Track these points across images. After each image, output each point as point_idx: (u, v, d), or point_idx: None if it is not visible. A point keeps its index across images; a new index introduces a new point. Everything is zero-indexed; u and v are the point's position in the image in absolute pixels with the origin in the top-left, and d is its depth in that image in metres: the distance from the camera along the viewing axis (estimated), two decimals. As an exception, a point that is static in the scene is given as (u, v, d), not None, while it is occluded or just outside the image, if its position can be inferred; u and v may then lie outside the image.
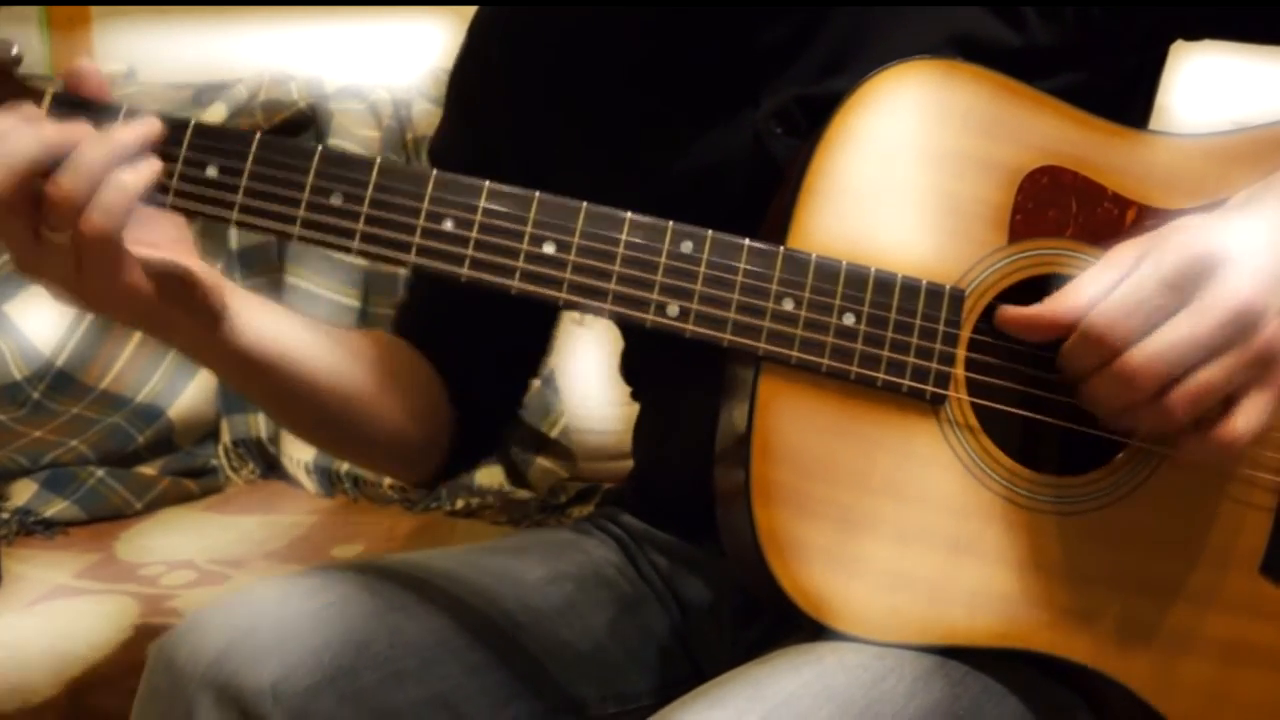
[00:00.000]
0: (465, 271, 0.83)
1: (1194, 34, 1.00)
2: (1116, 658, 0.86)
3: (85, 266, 0.81)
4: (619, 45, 1.04)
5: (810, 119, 0.91)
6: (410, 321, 1.12)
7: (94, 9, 2.21)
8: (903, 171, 0.86)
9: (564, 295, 0.84)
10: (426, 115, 1.99)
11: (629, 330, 1.12)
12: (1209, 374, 0.79)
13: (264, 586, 0.92)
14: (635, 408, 1.18)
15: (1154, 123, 1.04)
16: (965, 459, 0.86)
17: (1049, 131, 0.88)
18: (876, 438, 0.85)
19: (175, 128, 0.83)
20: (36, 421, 1.87)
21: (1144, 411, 0.81)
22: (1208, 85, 1.50)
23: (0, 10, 1.99)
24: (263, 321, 0.93)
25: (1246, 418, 0.80)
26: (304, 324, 0.98)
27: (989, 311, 0.86)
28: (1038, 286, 0.86)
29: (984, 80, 0.87)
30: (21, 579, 1.54)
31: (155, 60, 2.12)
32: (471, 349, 1.10)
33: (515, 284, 0.83)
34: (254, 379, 0.95)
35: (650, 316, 0.84)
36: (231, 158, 0.83)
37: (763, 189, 0.91)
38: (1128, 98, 1.00)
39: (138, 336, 1.94)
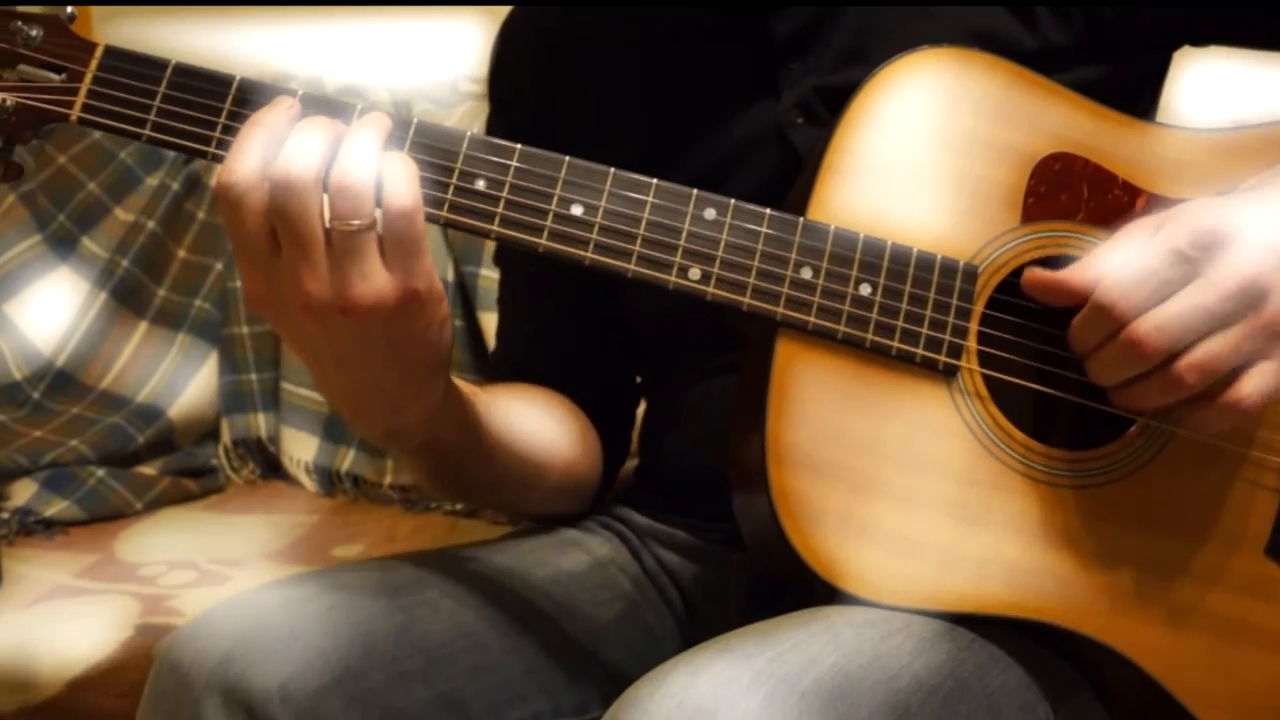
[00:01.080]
0: (495, 228, 0.85)
1: (1200, 39, 1.01)
2: (1121, 631, 0.87)
3: (390, 251, 0.80)
4: (638, 40, 1.07)
5: (831, 108, 0.93)
6: (519, 364, 1.14)
7: (94, 9, 2.21)
8: (920, 152, 0.89)
9: (590, 255, 0.85)
10: (427, 116, 1.98)
11: (639, 322, 1.14)
12: (1217, 344, 0.80)
13: (269, 587, 0.92)
14: (640, 406, 1.19)
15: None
16: (976, 429, 0.87)
17: (1062, 120, 0.90)
18: (889, 405, 0.87)
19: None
20: (36, 421, 1.87)
21: (1152, 383, 0.82)
22: (1212, 90, 1.50)
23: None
24: (472, 392, 0.95)
25: (1254, 384, 0.81)
26: (491, 389, 1.00)
27: (1001, 289, 0.88)
28: (1049, 266, 0.88)
29: (1000, 68, 0.90)
30: (21, 579, 1.54)
31: (155, 60, 2.12)
32: (587, 367, 1.13)
33: (543, 242, 0.85)
34: (474, 450, 0.96)
35: (673, 279, 0.86)
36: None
37: (785, 177, 0.94)
38: (1134, 101, 1.01)
39: (138, 336, 1.94)
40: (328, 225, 0.79)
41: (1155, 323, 0.80)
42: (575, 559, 1.09)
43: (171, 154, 1.98)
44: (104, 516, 1.76)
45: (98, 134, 2.00)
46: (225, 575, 1.57)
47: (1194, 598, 0.89)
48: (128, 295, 1.94)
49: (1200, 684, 0.88)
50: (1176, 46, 1.03)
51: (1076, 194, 0.89)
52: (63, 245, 1.97)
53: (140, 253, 1.95)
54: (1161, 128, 0.93)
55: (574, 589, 1.05)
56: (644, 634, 1.07)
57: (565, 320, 1.14)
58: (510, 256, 1.17)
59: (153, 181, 1.98)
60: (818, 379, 0.86)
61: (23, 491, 1.74)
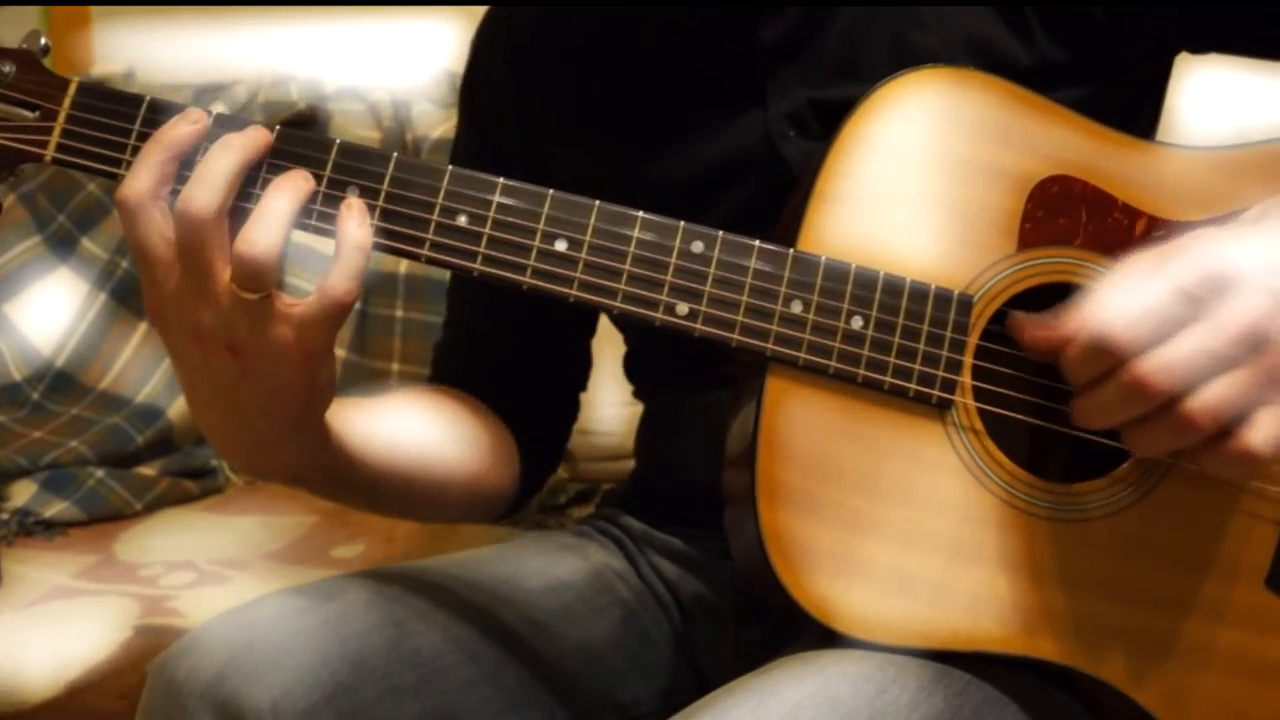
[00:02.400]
0: (478, 267, 0.84)
1: (1197, 45, 1.00)
2: (1119, 667, 0.86)
3: (304, 319, 0.79)
4: (622, 47, 1.05)
5: (822, 122, 0.92)
6: (454, 366, 1.13)
7: (94, 9, 2.21)
8: (914, 177, 0.87)
9: (574, 293, 0.84)
10: (426, 116, 1.99)
11: (632, 331, 1.13)
12: (1225, 387, 0.78)
13: (262, 602, 0.91)
14: (636, 409, 1.18)
15: (1160, 136, 1.04)
16: (970, 464, 0.86)
17: (1060, 141, 0.88)
18: (882, 441, 0.85)
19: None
20: (36, 422, 1.88)
21: (1161, 425, 0.79)
22: (1215, 99, 1.49)
23: (0, 10, 1.98)
24: (353, 424, 0.93)
25: (1264, 432, 0.79)
26: (379, 412, 0.98)
27: (997, 318, 0.87)
28: (1046, 294, 0.87)
29: (996, 89, 0.88)
30: (21, 579, 1.55)
31: (155, 60, 2.11)
32: (521, 379, 1.11)
33: (527, 280, 0.84)
34: (344, 482, 0.95)
35: (660, 316, 0.85)
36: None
37: (775, 191, 0.92)
38: (1134, 112, 1.00)
39: (137, 337, 1.95)
40: (229, 282, 0.78)
41: (1161, 362, 0.77)
42: (571, 566, 1.08)
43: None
44: (103, 517, 1.76)
45: (97, 134, 2.00)
46: (225, 576, 1.57)
47: (1194, 632, 0.87)
48: (127, 295, 1.95)
49: (1201, 719, 0.87)
50: (1174, 54, 1.01)
51: (1075, 218, 0.87)
52: (62, 246, 1.97)
53: (140, 253, 1.95)
54: (1162, 147, 0.91)
55: (570, 597, 1.05)
56: (641, 641, 1.07)
57: (502, 328, 1.12)
58: None
59: (153, 182, 1.98)
60: (809, 416, 0.85)
61: (22, 492, 1.75)
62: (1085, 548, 0.86)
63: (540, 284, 0.84)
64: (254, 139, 0.81)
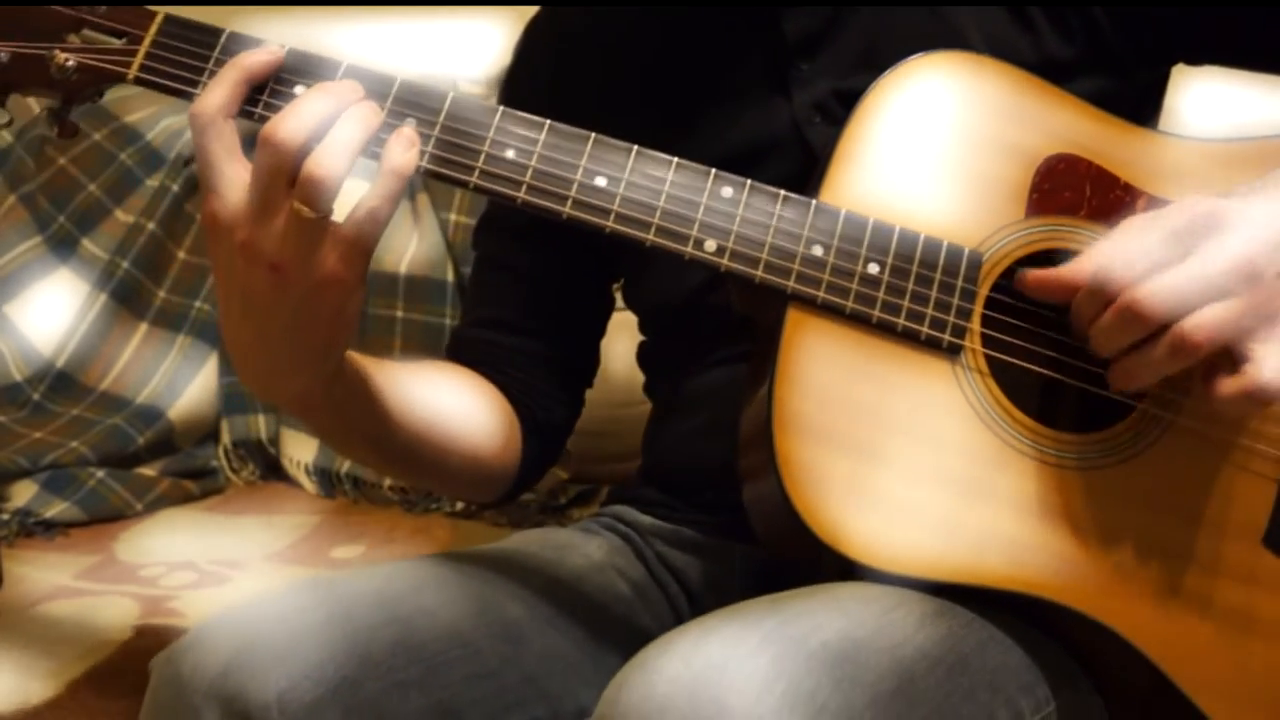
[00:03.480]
0: (522, 196, 0.88)
1: (1195, 55, 1.04)
2: (1119, 610, 0.89)
3: (340, 239, 0.83)
4: (654, 43, 1.10)
5: (847, 109, 0.95)
6: (470, 349, 1.14)
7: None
8: (929, 146, 0.92)
9: (610, 224, 0.89)
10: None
11: (647, 314, 1.16)
12: (1220, 310, 0.82)
13: (266, 598, 0.92)
14: (637, 410, 1.19)
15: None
16: (978, 407, 0.89)
17: (1068, 123, 0.93)
18: (894, 380, 0.89)
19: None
20: (37, 422, 1.88)
21: (1159, 347, 0.83)
22: (1210, 111, 1.50)
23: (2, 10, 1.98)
24: (371, 370, 0.96)
25: (1272, 367, 0.83)
26: (390, 365, 1.00)
27: (1005, 277, 0.90)
28: (1051, 259, 0.90)
29: (1009, 73, 0.94)
30: (22, 580, 1.55)
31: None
32: (534, 369, 1.13)
33: (567, 210, 0.88)
34: (351, 424, 0.97)
35: (689, 250, 0.89)
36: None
37: (800, 175, 0.95)
38: (1133, 116, 1.01)
39: (138, 337, 1.95)
40: (289, 200, 0.82)
41: (1152, 287, 0.82)
42: (573, 563, 1.09)
43: (171, 155, 1.99)
44: (104, 517, 1.76)
45: (97, 135, 2.00)
46: (225, 576, 1.57)
47: (1192, 584, 0.90)
48: (128, 296, 1.95)
49: (1197, 669, 0.89)
50: (1172, 62, 1.05)
51: (1079, 192, 0.92)
52: (63, 246, 1.97)
53: (140, 254, 1.96)
54: (1164, 135, 0.96)
55: (573, 594, 1.05)
56: (642, 638, 1.07)
57: (520, 314, 1.14)
58: (492, 244, 1.17)
59: (152, 183, 1.98)
60: (825, 351, 0.89)
61: (23, 493, 1.75)
62: (1089, 494, 0.90)
63: (579, 214, 0.88)
64: (348, 93, 0.85)
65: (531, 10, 1.19)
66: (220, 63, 0.87)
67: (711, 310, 0.97)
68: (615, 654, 1.05)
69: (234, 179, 0.83)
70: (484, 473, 1.09)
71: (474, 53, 2.00)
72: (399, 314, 1.88)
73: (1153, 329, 0.83)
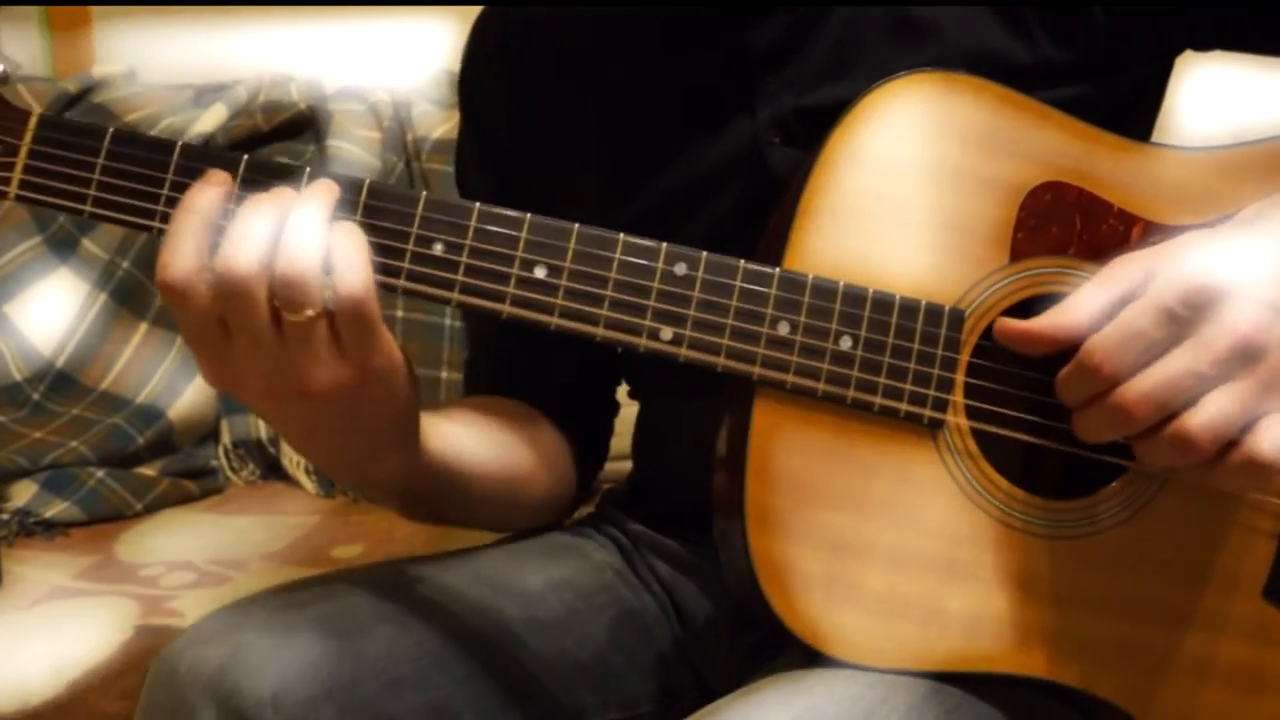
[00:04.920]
0: (455, 296, 0.82)
1: (1202, 44, 0.99)
2: (1118, 684, 0.85)
3: (344, 334, 0.79)
4: (612, 51, 1.04)
5: (808, 129, 0.90)
6: (491, 375, 1.13)
7: (94, 9, 2.21)
8: (902, 189, 0.85)
9: (555, 320, 0.83)
10: (426, 116, 1.99)
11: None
12: (1223, 403, 0.76)
13: (263, 597, 0.92)
14: (634, 409, 1.18)
15: (1159, 133, 1.03)
16: (963, 483, 0.84)
17: (1052, 145, 0.86)
18: (873, 462, 0.84)
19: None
20: (36, 422, 1.87)
21: (1162, 442, 0.78)
22: (1213, 96, 1.49)
23: (0, 10, 1.98)
24: (438, 432, 0.94)
25: (1270, 440, 0.77)
26: (455, 421, 0.99)
27: (989, 333, 0.85)
28: (1040, 305, 0.85)
29: (985, 93, 0.86)
30: (21, 580, 1.55)
31: (155, 61, 2.12)
32: (560, 379, 1.11)
33: (506, 309, 0.82)
34: (443, 488, 0.96)
35: (644, 342, 0.83)
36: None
37: (761, 199, 0.90)
38: (1134, 110, 1.00)
39: (138, 337, 1.95)
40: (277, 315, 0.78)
41: (1142, 389, 0.76)
42: (571, 565, 1.08)
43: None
44: (104, 517, 1.76)
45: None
46: (225, 576, 1.57)
47: (1192, 646, 0.86)
48: (127, 296, 1.95)
49: None
50: (1177, 52, 1.00)
51: (1069, 226, 0.86)
52: (63, 246, 1.97)
53: (140, 254, 1.96)
54: (1157, 148, 0.89)
55: (569, 595, 1.05)
56: (640, 640, 1.07)
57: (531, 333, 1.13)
58: None
59: (153, 182, 1.98)
60: (798, 438, 0.83)
61: (23, 492, 1.74)
62: (1081, 563, 0.85)
63: (520, 312, 0.82)
64: (283, 197, 0.80)
65: (476, 10, 1.12)
66: (107, 170, 0.81)
67: None
68: (614, 653, 1.04)
69: (225, 333, 0.79)
70: (556, 496, 1.09)
71: (419, 56, 2.00)
72: (399, 314, 1.88)
73: (1144, 428, 0.78)
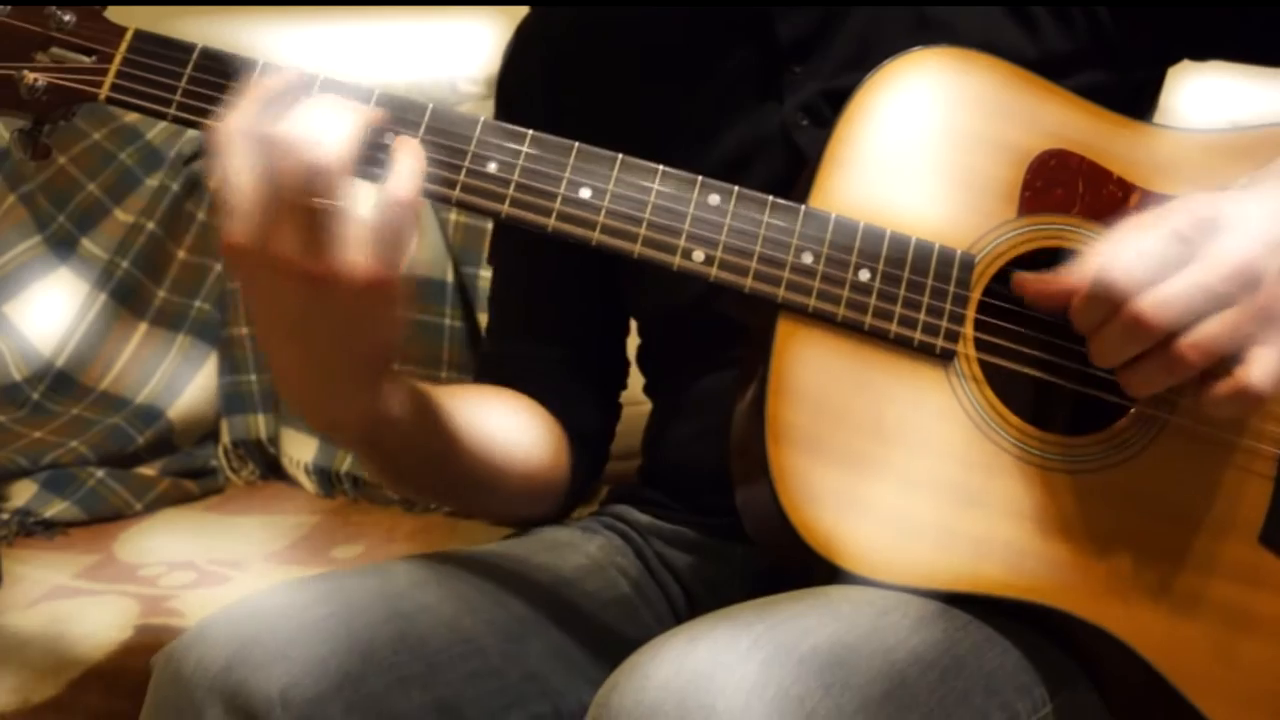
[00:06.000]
0: (505, 209, 0.87)
1: (1199, 52, 1.03)
2: (1117, 615, 0.88)
3: (376, 235, 0.82)
4: (647, 46, 1.09)
5: (835, 109, 0.94)
6: (502, 368, 1.15)
7: (94, 10, 2.21)
8: (919, 146, 0.91)
9: (597, 236, 0.88)
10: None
11: (645, 320, 1.16)
12: (1216, 324, 0.81)
13: (268, 593, 0.92)
14: (636, 409, 1.19)
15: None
16: (973, 413, 0.89)
17: (1059, 118, 0.92)
18: (887, 388, 0.88)
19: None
20: (36, 422, 1.87)
21: (1153, 362, 0.83)
22: (1209, 105, 1.50)
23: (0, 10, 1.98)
24: (425, 391, 0.96)
25: (1262, 369, 0.82)
26: (439, 391, 1.00)
27: (998, 279, 0.90)
28: (1045, 258, 0.90)
29: (999, 68, 0.92)
30: (21, 579, 1.54)
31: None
32: (568, 379, 1.13)
33: (551, 223, 0.87)
34: (405, 450, 0.97)
35: (677, 260, 0.88)
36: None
37: (790, 179, 0.95)
38: (1131, 109, 1.01)
39: (138, 337, 1.95)
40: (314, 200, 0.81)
41: (1158, 299, 0.80)
42: (575, 562, 1.09)
43: (171, 155, 1.99)
44: (104, 517, 1.76)
45: (97, 135, 2.00)
46: (225, 576, 1.57)
47: (1189, 584, 0.90)
48: (127, 296, 1.94)
49: (1196, 670, 0.89)
50: (1176, 59, 1.04)
51: (1072, 188, 0.91)
52: (62, 246, 1.97)
53: (140, 254, 1.95)
54: (1157, 128, 0.95)
55: (574, 592, 1.05)
56: (645, 636, 1.07)
57: (549, 330, 1.15)
58: (504, 259, 1.18)
59: (152, 182, 1.98)
60: (817, 360, 0.88)
61: (23, 492, 1.74)
62: (1085, 497, 0.89)
63: (565, 226, 0.88)
64: (341, 103, 0.84)
65: (523, 10, 1.18)
66: (194, 80, 0.86)
67: (712, 315, 0.97)
68: (617, 652, 1.04)
69: (256, 197, 0.82)
70: (540, 490, 1.10)
71: (467, 54, 2.00)
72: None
73: (1156, 340, 0.82)
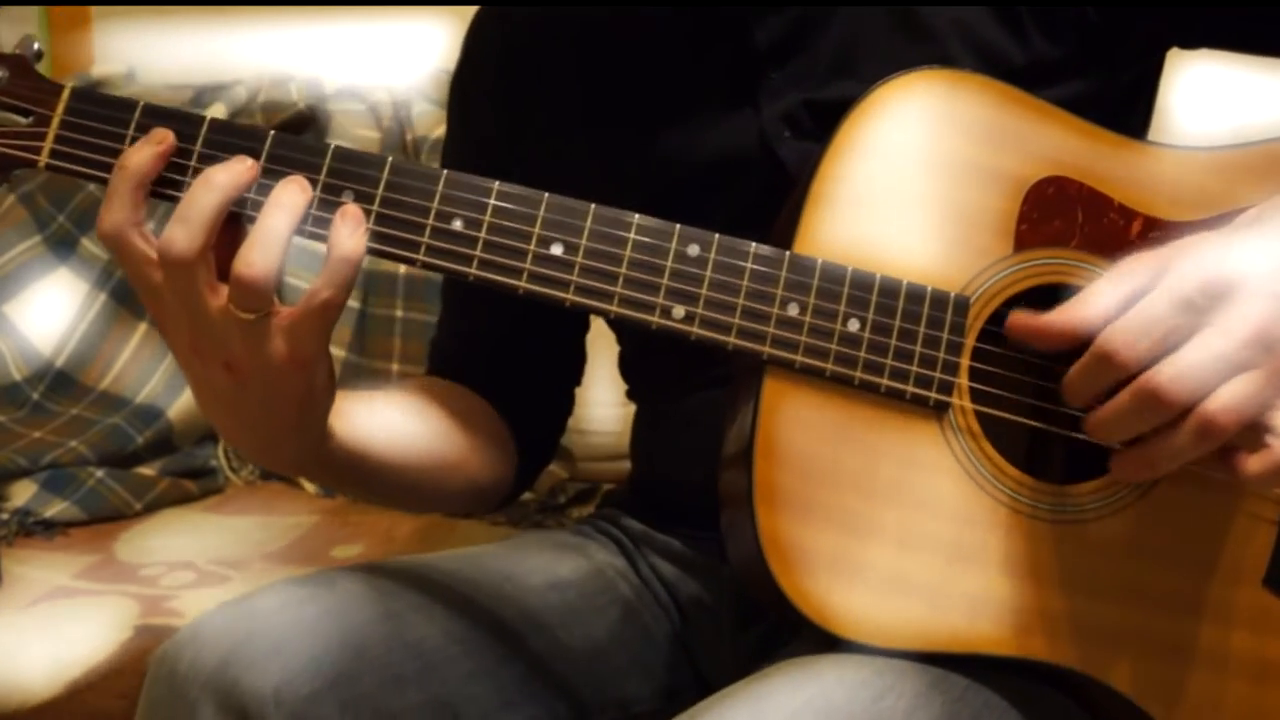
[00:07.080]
0: (474, 271, 0.84)
1: (1189, 41, 1.00)
2: (1116, 669, 0.86)
3: (293, 328, 0.81)
4: (614, 48, 1.04)
5: (817, 123, 0.92)
6: (450, 360, 1.14)
7: (94, 9, 2.21)
8: (909, 180, 0.86)
9: (570, 297, 0.84)
10: (426, 116, 1.99)
11: (626, 334, 1.13)
12: (1243, 387, 0.77)
13: (263, 593, 0.92)
14: (631, 408, 1.18)
15: (1155, 133, 1.04)
16: (968, 466, 0.85)
17: (1055, 142, 0.88)
18: (880, 444, 0.85)
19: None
20: (36, 422, 1.87)
21: (1180, 434, 0.78)
22: (1205, 97, 1.50)
23: (0, 10, 1.99)
24: (353, 421, 0.95)
25: None
26: (380, 407, 0.99)
27: (993, 319, 0.86)
28: (1042, 295, 0.86)
29: (991, 90, 0.88)
30: (21, 579, 1.54)
31: (155, 61, 2.12)
32: (516, 374, 1.12)
33: (523, 284, 0.84)
34: (347, 474, 0.96)
35: (656, 319, 0.85)
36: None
37: (771, 192, 0.92)
38: (1129, 106, 1.01)
39: (137, 337, 1.95)
40: (223, 304, 0.80)
41: (1174, 371, 0.76)
42: (572, 564, 1.08)
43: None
44: (103, 517, 1.76)
45: (97, 135, 2.00)
46: (225, 576, 1.57)
47: (1192, 632, 0.87)
48: (127, 296, 1.94)
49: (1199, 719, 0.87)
50: (1166, 49, 1.01)
51: (1071, 219, 0.87)
52: (62, 246, 1.97)
53: (139, 253, 1.95)
54: (1158, 147, 0.91)
55: (571, 595, 1.05)
56: (641, 639, 1.07)
57: (497, 323, 1.12)
58: None
59: (152, 182, 1.98)
60: (806, 418, 0.84)
61: (22, 492, 1.74)
62: (1083, 549, 0.86)
63: (536, 288, 0.84)
64: (237, 174, 0.81)
65: (473, 10, 1.13)
66: (139, 140, 0.82)
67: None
68: (616, 653, 1.05)
69: (161, 289, 0.80)
70: (483, 487, 1.09)
71: (418, 55, 2.00)
72: (398, 314, 1.88)
73: (1172, 415, 0.77)
